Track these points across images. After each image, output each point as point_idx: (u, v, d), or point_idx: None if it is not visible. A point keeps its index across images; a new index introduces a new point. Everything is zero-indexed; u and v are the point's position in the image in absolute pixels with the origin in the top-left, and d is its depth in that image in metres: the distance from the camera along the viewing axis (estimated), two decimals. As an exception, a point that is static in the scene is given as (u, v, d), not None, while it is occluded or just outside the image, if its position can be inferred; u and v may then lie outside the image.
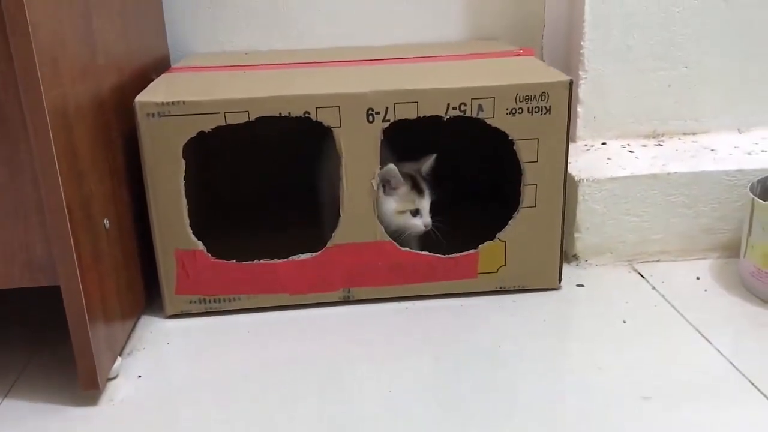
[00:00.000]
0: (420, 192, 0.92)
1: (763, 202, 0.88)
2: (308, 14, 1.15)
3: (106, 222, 0.77)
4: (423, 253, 0.90)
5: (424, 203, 0.92)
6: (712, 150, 1.05)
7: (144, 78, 0.93)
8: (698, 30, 1.06)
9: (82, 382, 0.73)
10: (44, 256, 0.69)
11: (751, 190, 0.93)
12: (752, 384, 0.74)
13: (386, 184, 0.89)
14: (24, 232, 0.68)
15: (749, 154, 1.03)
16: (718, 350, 0.80)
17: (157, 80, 0.91)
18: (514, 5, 1.17)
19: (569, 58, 1.11)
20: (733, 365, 0.78)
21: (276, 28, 1.16)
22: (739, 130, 1.11)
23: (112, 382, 0.78)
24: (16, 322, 0.91)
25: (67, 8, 0.70)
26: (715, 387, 0.75)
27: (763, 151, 1.04)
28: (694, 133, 1.11)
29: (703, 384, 0.75)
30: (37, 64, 0.62)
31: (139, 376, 0.79)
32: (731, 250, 1.00)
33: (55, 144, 0.65)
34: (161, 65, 1.06)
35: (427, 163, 0.94)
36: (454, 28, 1.18)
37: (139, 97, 0.81)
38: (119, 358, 0.79)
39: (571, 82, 0.84)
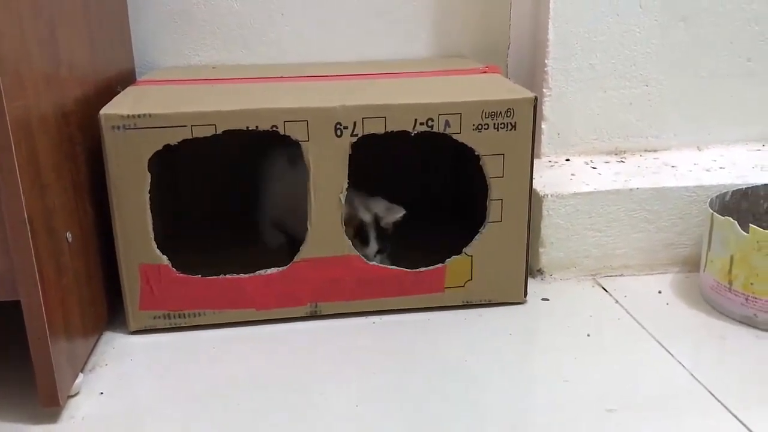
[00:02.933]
0: (364, 242, 0.93)
1: (721, 217, 0.90)
2: (276, 30, 1.15)
3: (69, 235, 0.76)
4: (390, 267, 0.91)
5: (367, 251, 0.92)
6: (672, 166, 1.07)
7: (109, 91, 0.92)
8: (659, 49, 1.08)
9: (43, 399, 0.71)
10: (4, 271, 0.67)
11: (711, 205, 0.95)
12: (713, 395, 0.76)
13: None
14: (-16, 245, 0.67)
15: (708, 170, 1.06)
16: (680, 362, 0.82)
17: (122, 93, 0.90)
18: (480, 24, 1.18)
19: (534, 76, 1.12)
20: (694, 377, 0.79)
21: (244, 43, 1.15)
22: (698, 147, 1.14)
23: (74, 399, 0.76)
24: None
25: (31, 19, 0.69)
26: (677, 399, 0.76)
27: (721, 167, 1.07)
28: (655, 150, 1.13)
29: (665, 396, 0.77)
30: (-1, 75, 0.61)
31: (101, 393, 0.77)
32: (692, 264, 1.03)
33: (17, 156, 0.63)
34: (127, 78, 1.05)
35: (392, 218, 0.95)
36: (422, 45, 1.19)
37: (104, 110, 0.80)
38: (81, 375, 0.78)
39: (536, 99, 0.86)
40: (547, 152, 1.11)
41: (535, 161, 0.90)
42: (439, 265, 0.91)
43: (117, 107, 0.82)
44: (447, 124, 0.85)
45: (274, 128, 0.82)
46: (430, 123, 0.84)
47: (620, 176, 1.03)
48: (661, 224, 1.02)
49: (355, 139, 0.84)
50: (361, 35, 1.17)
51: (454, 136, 0.85)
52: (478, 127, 0.85)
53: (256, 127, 0.82)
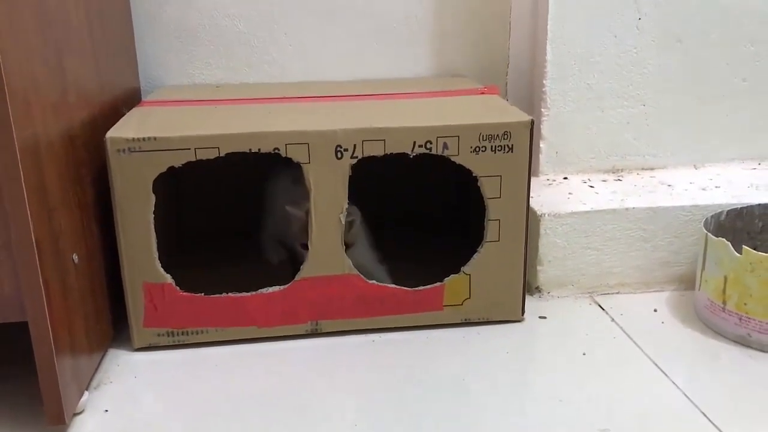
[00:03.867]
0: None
1: (715, 238, 0.92)
2: (279, 49, 1.17)
3: (75, 257, 0.78)
4: (390, 285, 0.92)
5: None
6: (669, 185, 1.09)
7: (115, 111, 0.94)
8: (655, 70, 1.10)
9: (49, 417, 0.73)
10: (12, 293, 0.69)
11: (705, 225, 0.96)
12: (705, 416, 0.77)
13: None
14: (-7, 268, 0.69)
15: (704, 189, 1.07)
16: (674, 382, 0.83)
17: (127, 115, 0.92)
18: (479, 44, 1.20)
19: (532, 96, 1.14)
20: (687, 397, 0.80)
21: (247, 62, 1.18)
22: (695, 165, 1.16)
23: (79, 417, 0.78)
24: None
25: (39, 49, 0.71)
26: (670, 419, 0.77)
27: (717, 186, 1.08)
28: (652, 169, 1.15)
29: (658, 416, 0.78)
30: (9, 107, 0.63)
31: (106, 411, 0.79)
32: (687, 282, 1.04)
33: (25, 182, 0.65)
34: (132, 97, 1.08)
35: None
36: (422, 64, 1.21)
37: (110, 133, 0.82)
38: (86, 393, 0.80)
39: (532, 122, 0.87)
40: (545, 171, 1.13)
41: (534, 179, 0.92)
42: (438, 283, 0.92)
43: (122, 130, 0.84)
44: (445, 146, 0.87)
45: (276, 151, 0.84)
46: (428, 145, 0.86)
47: (617, 195, 1.05)
48: (657, 243, 1.03)
49: (355, 161, 0.85)
50: (362, 55, 1.19)
51: (452, 158, 0.87)
52: (475, 149, 0.87)
53: (259, 149, 0.83)
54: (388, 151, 0.86)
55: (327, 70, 1.19)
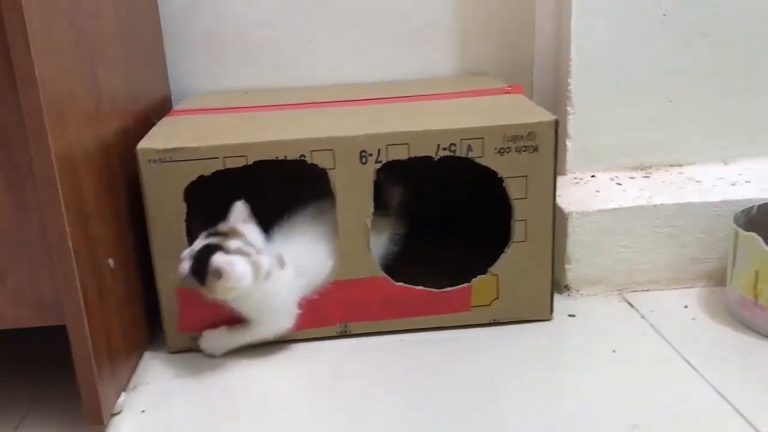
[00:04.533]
0: None
1: (745, 232, 0.91)
2: (305, 54, 1.19)
3: (111, 262, 0.80)
4: (417, 287, 0.93)
5: None
6: (697, 181, 1.08)
7: (146, 121, 0.96)
8: (681, 65, 1.09)
9: (88, 418, 0.75)
10: (52, 297, 0.72)
11: (735, 220, 0.95)
12: (738, 412, 0.76)
13: None
14: (32, 273, 0.71)
15: (733, 185, 1.06)
16: (705, 379, 0.83)
17: (158, 125, 0.94)
18: (504, 43, 1.21)
19: (558, 94, 1.14)
20: (720, 394, 0.80)
21: (274, 68, 1.20)
22: (724, 161, 1.14)
23: (117, 417, 0.80)
24: (22, 361, 0.93)
25: (73, 59, 0.74)
26: (702, 416, 0.77)
27: (747, 182, 1.07)
28: (680, 165, 1.14)
29: (690, 412, 0.77)
30: (45, 116, 0.65)
31: (143, 411, 0.81)
32: (717, 279, 1.03)
33: (61, 189, 0.68)
34: (163, 106, 1.10)
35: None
36: (447, 64, 1.22)
37: (141, 144, 0.84)
38: (123, 394, 0.82)
39: (557, 122, 0.88)
40: (572, 169, 1.13)
41: (561, 178, 0.91)
42: (465, 284, 0.93)
43: (153, 141, 0.86)
44: (469, 148, 0.87)
45: (302, 157, 0.85)
46: (452, 148, 0.87)
47: (645, 192, 1.04)
48: (687, 239, 1.02)
49: (379, 165, 0.86)
50: (387, 57, 1.20)
51: (477, 160, 0.88)
52: (500, 150, 0.88)
53: (285, 156, 0.85)
54: (413, 155, 0.87)
55: (353, 73, 1.20)
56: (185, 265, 0.82)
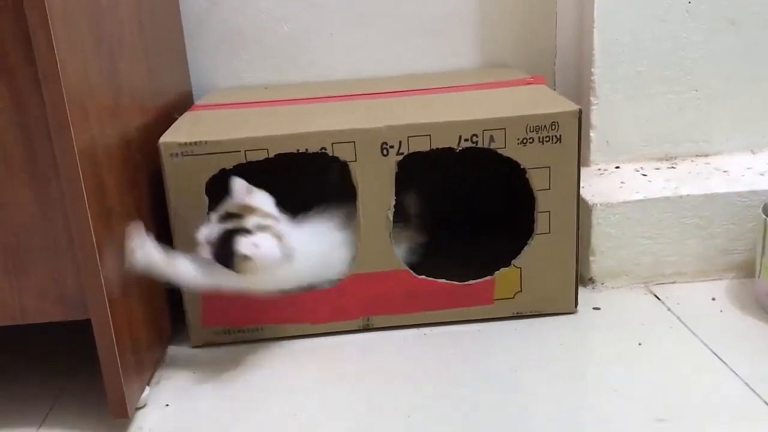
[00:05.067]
0: None
1: (775, 223, 0.89)
2: (325, 49, 1.19)
3: (134, 257, 0.80)
4: (439, 280, 0.92)
5: None
6: (724, 171, 1.06)
7: (168, 116, 0.96)
8: (706, 53, 1.07)
9: (112, 411, 0.75)
10: (75, 292, 0.72)
11: (764, 210, 0.94)
12: (768, 405, 0.75)
13: None
14: (56, 268, 0.72)
15: (762, 174, 1.04)
16: (734, 371, 0.81)
17: (179, 119, 0.95)
18: (525, 34, 1.20)
19: (581, 85, 1.13)
20: (749, 386, 0.78)
21: (294, 63, 1.20)
22: (752, 150, 1.12)
23: (141, 411, 0.80)
24: (49, 354, 0.94)
25: (94, 54, 0.74)
26: (730, 408, 0.76)
27: (776, 171, 1.05)
28: (706, 155, 1.12)
29: (718, 405, 0.76)
30: (67, 110, 0.66)
31: (167, 405, 0.82)
32: (746, 270, 1.01)
33: (84, 184, 0.68)
34: (184, 101, 1.10)
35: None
36: (468, 56, 1.21)
37: (163, 138, 0.85)
38: (147, 388, 0.82)
39: (580, 112, 0.86)
40: (596, 160, 1.11)
41: (585, 169, 0.90)
42: (488, 277, 0.92)
43: (175, 135, 0.86)
44: (492, 139, 0.86)
45: (323, 150, 0.85)
46: (474, 139, 0.86)
47: (671, 183, 1.03)
48: (714, 230, 1.01)
49: (401, 157, 0.86)
50: (408, 50, 1.20)
51: (499, 151, 0.87)
52: (522, 141, 0.87)
53: (306, 149, 0.85)
54: (434, 146, 0.86)
55: (373, 67, 1.20)
56: (205, 249, 0.80)
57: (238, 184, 0.83)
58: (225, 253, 0.78)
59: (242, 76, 1.20)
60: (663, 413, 0.75)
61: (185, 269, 0.81)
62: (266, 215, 0.81)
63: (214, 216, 0.81)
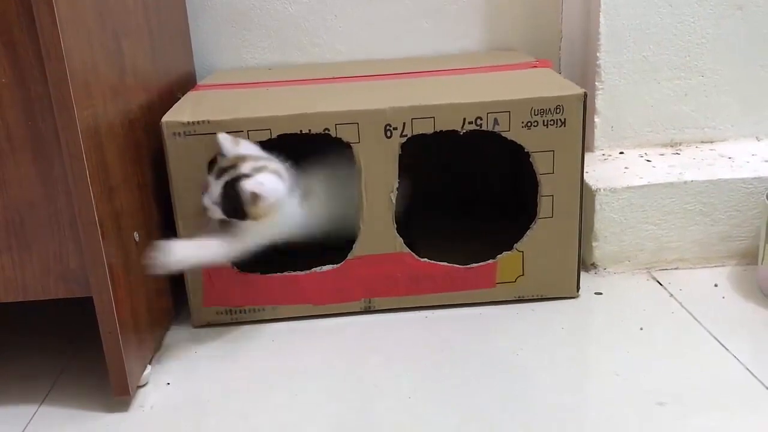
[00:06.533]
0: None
1: (779, 209, 0.89)
2: (329, 31, 1.18)
3: (136, 235, 0.80)
4: (441, 263, 0.92)
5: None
6: (729, 158, 1.05)
7: (171, 96, 0.96)
8: (714, 39, 1.07)
9: (114, 389, 0.76)
10: (78, 269, 0.72)
11: (768, 197, 0.94)
12: (768, 390, 0.75)
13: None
14: (59, 245, 0.72)
15: (767, 161, 1.04)
16: (736, 357, 0.81)
17: (182, 99, 0.94)
18: (531, 17, 1.19)
19: (586, 69, 1.12)
20: (750, 372, 0.78)
21: (298, 45, 1.19)
22: (757, 137, 1.12)
23: (142, 389, 0.81)
24: (51, 332, 0.95)
25: (98, 32, 0.74)
26: (732, 394, 0.76)
27: (781, 158, 1.05)
28: (711, 141, 1.11)
29: (720, 390, 0.76)
30: (70, 87, 0.65)
31: (168, 384, 0.82)
32: (749, 257, 1.01)
33: (87, 161, 0.68)
34: (187, 82, 1.10)
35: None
36: (473, 39, 1.20)
37: (166, 117, 0.84)
38: (149, 366, 0.82)
39: (585, 95, 0.86)
40: (600, 146, 1.11)
41: (588, 155, 0.90)
42: (490, 261, 0.92)
43: (177, 114, 0.86)
44: (496, 122, 0.86)
45: (326, 131, 0.84)
46: (478, 122, 0.86)
47: (675, 169, 1.02)
48: (717, 217, 1.00)
49: (404, 139, 0.86)
50: (412, 32, 1.19)
51: (503, 134, 0.86)
52: (527, 124, 0.86)
53: (309, 130, 0.85)
54: (438, 129, 0.86)
55: (377, 49, 1.19)
56: (215, 210, 0.81)
57: (223, 138, 0.83)
58: (233, 202, 0.79)
59: (245, 58, 1.19)
60: (664, 397, 0.75)
61: (213, 246, 0.83)
62: (258, 158, 0.82)
63: (212, 177, 0.82)
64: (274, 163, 0.83)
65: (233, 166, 0.81)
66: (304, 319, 0.93)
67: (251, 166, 0.81)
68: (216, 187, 0.81)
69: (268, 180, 0.80)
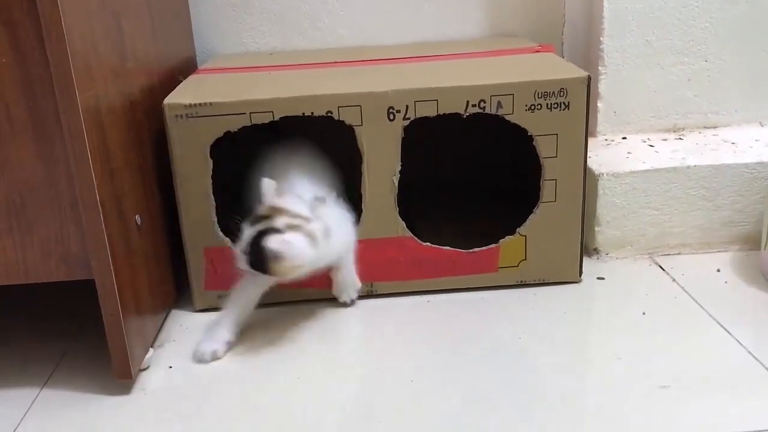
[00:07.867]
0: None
1: (783, 194, 0.89)
2: (331, 15, 1.17)
3: (138, 218, 0.80)
4: (444, 247, 0.92)
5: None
6: (732, 143, 1.05)
7: (172, 79, 0.96)
8: (718, 23, 1.06)
9: (116, 372, 0.76)
10: (79, 251, 0.72)
11: (772, 182, 0.93)
12: (771, 374, 0.75)
13: None
14: (60, 227, 0.72)
15: (770, 146, 1.04)
16: (738, 341, 0.81)
17: (184, 82, 0.94)
18: (533, 2, 1.18)
19: (589, 54, 1.12)
20: (753, 356, 0.78)
21: (299, 29, 1.18)
22: (760, 123, 1.11)
23: (144, 373, 0.81)
24: (53, 315, 0.94)
25: (99, 13, 0.73)
26: (734, 377, 0.76)
27: (784, 143, 1.04)
28: (715, 127, 1.11)
29: (722, 374, 0.76)
30: (71, 68, 0.65)
31: (170, 367, 0.82)
32: (752, 242, 1.01)
33: (88, 143, 0.68)
34: (188, 66, 1.09)
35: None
36: (475, 25, 1.19)
37: (168, 99, 0.84)
38: (151, 350, 0.82)
39: (589, 78, 0.85)
40: (603, 131, 1.11)
41: (591, 140, 0.89)
42: (493, 245, 0.92)
43: (179, 96, 0.85)
44: (499, 105, 0.85)
45: (329, 114, 0.84)
46: (482, 104, 0.85)
47: (678, 154, 1.02)
48: (720, 202, 1.00)
49: (407, 122, 0.85)
50: (414, 17, 1.18)
51: (507, 117, 0.86)
52: (530, 107, 0.86)
53: (312, 113, 0.84)
54: (441, 111, 0.86)
55: (379, 35, 1.18)
56: (243, 261, 0.78)
57: (267, 186, 0.81)
58: (257, 256, 0.77)
59: (246, 42, 1.19)
60: (666, 381, 0.75)
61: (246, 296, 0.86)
62: (296, 215, 0.79)
63: (246, 224, 0.80)
64: (314, 224, 0.79)
65: (268, 216, 0.79)
66: (306, 303, 0.93)
67: (286, 222, 0.78)
68: (247, 236, 0.79)
69: (297, 241, 0.76)
